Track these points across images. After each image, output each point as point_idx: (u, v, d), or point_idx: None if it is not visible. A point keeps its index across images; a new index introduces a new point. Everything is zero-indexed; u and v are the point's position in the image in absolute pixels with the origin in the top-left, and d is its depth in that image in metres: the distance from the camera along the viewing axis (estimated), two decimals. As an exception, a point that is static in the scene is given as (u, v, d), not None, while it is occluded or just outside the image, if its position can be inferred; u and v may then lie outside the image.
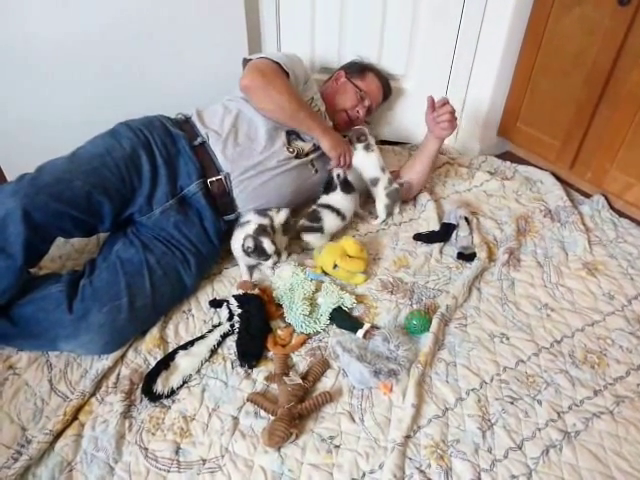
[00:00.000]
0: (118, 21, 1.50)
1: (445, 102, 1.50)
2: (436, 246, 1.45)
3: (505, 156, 1.95)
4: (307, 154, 1.46)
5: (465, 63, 1.77)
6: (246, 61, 1.46)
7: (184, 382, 1.06)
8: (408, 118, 1.94)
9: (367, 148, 1.51)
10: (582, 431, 0.99)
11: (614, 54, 1.45)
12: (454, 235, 1.47)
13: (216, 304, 1.24)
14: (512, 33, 1.66)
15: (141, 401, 1.02)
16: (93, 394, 1.02)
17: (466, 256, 1.41)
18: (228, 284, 1.31)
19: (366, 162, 1.52)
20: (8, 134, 1.52)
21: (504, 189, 1.73)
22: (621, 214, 1.61)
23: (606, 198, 1.65)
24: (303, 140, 1.47)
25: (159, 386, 1.03)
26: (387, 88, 1.77)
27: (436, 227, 1.51)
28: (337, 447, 0.95)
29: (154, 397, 1.02)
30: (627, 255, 1.44)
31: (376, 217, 1.56)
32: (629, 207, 1.60)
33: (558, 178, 1.77)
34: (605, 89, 1.51)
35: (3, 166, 1.56)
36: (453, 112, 1.50)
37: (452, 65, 1.79)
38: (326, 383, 1.07)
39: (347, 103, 1.62)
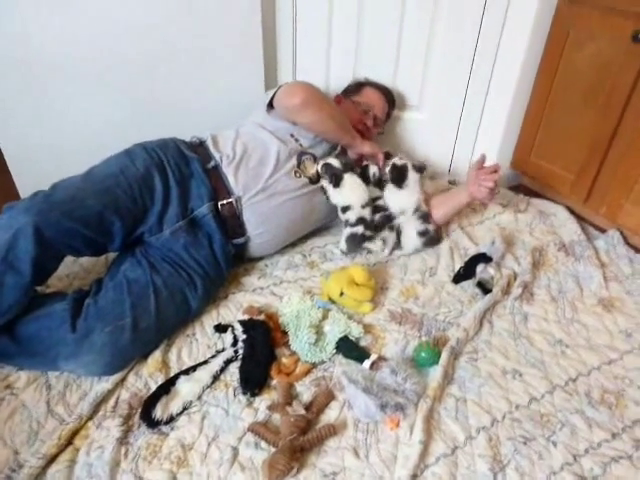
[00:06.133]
0: (136, 45, 1.54)
1: (496, 169, 1.46)
2: (448, 278, 1.43)
3: (518, 188, 1.94)
4: (319, 179, 1.45)
5: (479, 94, 1.78)
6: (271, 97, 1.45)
7: (184, 408, 1.02)
8: (422, 148, 1.95)
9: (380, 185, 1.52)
10: (600, 476, 0.93)
11: (629, 90, 1.45)
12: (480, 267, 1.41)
13: (221, 329, 1.21)
14: (526, 66, 1.68)
15: (139, 427, 0.99)
16: (90, 418, 0.99)
17: (485, 288, 1.37)
18: (234, 309, 1.29)
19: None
20: (24, 154, 1.55)
21: (517, 222, 1.70)
22: (637, 250, 1.57)
23: (621, 233, 1.62)
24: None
25: (158, 412, 1.00)
26: (388, 94, 1.77)
27: (448, 261, 1.49)
28: (340, 484, 0.91)
29: (152, 423, 0.98)
30: (644, 292, 1.40)
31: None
32: (646, 243, 1.57)
33: (572, 212, 1.74)
34: (620, 124, 1.50)
35: (18, 185, 1.58)
36: (497, 183, 1.46)
37: (465, 96, 1.80)
38: (330, 415, 1.03)
39: (352, 120, 1.60)
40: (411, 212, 1.50)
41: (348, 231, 1.47)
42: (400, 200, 1.49)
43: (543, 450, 0.97)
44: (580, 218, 1.73)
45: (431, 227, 1.52)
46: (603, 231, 1.67)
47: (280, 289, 1.36)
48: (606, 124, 1.53)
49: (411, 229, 1.51)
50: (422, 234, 1.50)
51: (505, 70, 1.69)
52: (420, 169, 1.50)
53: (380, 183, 1.51)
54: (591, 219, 1.73)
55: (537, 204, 1.81)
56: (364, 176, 1.50)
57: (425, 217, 1.51)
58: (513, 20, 1.61)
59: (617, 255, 1.55)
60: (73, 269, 1.38)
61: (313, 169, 1.44)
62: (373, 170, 1.51)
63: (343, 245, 1.49)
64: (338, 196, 1.45)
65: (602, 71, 1.51)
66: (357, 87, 1.74)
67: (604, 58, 1.50)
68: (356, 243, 1.48)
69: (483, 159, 1.49)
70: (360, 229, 1.45)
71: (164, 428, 0.99)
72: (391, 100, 1.78)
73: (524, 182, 1.97)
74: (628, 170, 1.51)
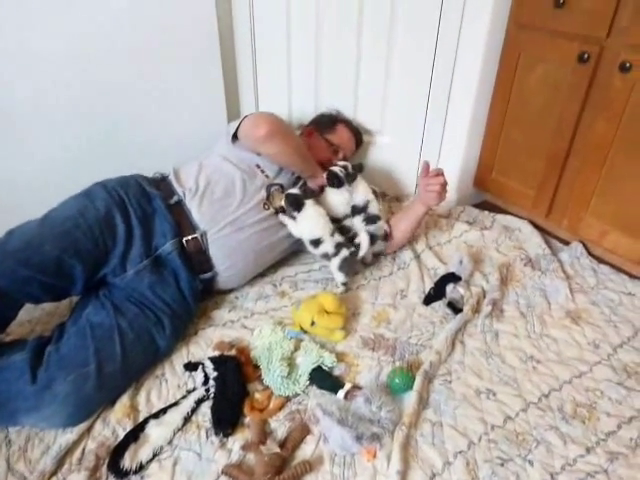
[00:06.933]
0: (96, 85, 1.53)
1: (439, 173, 1.50)
2: (419, 300, 1.43)
3: (483, 205, 1.98)
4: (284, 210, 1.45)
5: (438, 117, 1.82)
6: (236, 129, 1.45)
7: (154, 455, 0.99)
8: (384, 172, 1.97)
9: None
10: (577, 494, 0.94)
11: (578, 108, 1.51)
12: (449, 287, 1.43)
13: (191, 367, 1.18)
14: (481, 89, 1.73)
15: (107, 479, 0.95)
16: (55, 473, 0.95)
17: (455, 308, 1.38)
18: (204, 345, 1.26)
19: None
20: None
21: (484, 239, 1.73)
22: (600, 260, 1.61)
23: (584, 245, 1.66)
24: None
25: (127, 461, 0.96)
26: (358, 136, 1.80)
27: (418, 282, 1.49)
28: (318, 523, 0.88)
29: (121, 474, 0.94)
30: (609, 302, 1.43)
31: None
32: (607, 253, 1.61)
33: (536, 226, 1.78)
34: (573, 140, 1.56)
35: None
36: (444, 184, 1.51)
37: (426, 119, 1.84)
38: (306, 450, 1.00)
39: (321, 158, 1.61)
40: (358, 211, 1.52)
41: (336, 262, 1.42)
42: (344, 199, 1.53)
43: (520, 470, 0.97)
44: (544, 231, 1.78)
45: (373, 228, 1.51)
46: (567, 243, 1.71)
47: (251, 321, 1.34)
48: (561, 141, 1.59)
49: (359, 228, 1.52)
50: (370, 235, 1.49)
51: (462, 92, 1.74)
52: (358, 167, 1.56)
53: (350, 177, 1.53)
54: (555, 232, 1.78)
55: (502, 220, 1.84)
56: (336, 178, 1.50)
57: (372, 219, 1.53)
58: (466, 44, 1.66)
59: (581, 267, 1.59)
60: (34, 314, 1.33)
61: (281, 200, 1.41)
62: (338, 168, 1.51)
63: (340, 277, 1.43)
64: (302, 228, 1.42)
65: (553, 91, 1.57)
66: (331, 123, 1.73)
67: (554, 79, 1.56)
68: (352, 264, 1.46)
69: (427, 166, 1.52)
70: (345, 252, 1.42)
71: (134, 478, 0.95)
72: (360, 141, 1.83)
73: (488, 199, 2.02)
74: (584, 185, 1.56)
